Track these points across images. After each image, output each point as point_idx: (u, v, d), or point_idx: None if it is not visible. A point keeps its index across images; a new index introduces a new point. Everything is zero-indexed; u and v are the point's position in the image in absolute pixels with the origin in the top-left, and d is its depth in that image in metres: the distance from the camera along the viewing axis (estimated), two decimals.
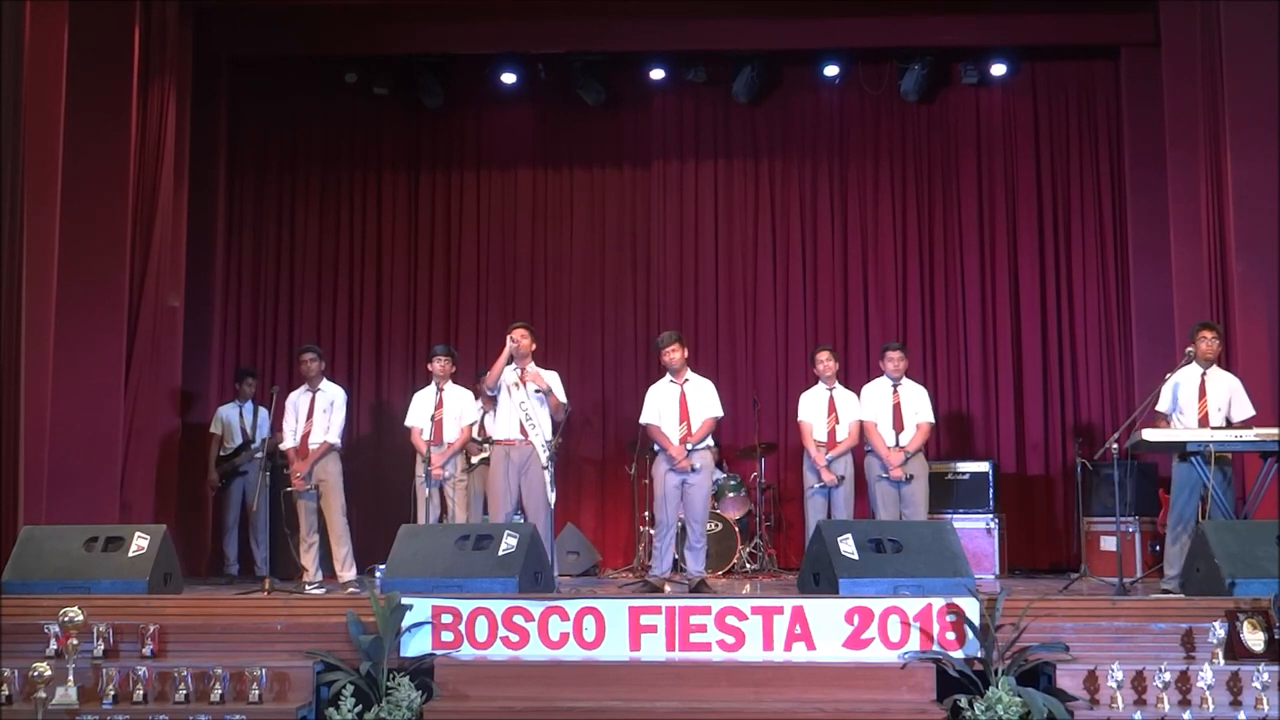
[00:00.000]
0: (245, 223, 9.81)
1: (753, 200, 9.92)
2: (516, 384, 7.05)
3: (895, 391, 7.47)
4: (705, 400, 7.27)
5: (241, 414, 8.59)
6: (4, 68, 6.59)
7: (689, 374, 7.36)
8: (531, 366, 7.11)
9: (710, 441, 7.39)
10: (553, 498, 6.97)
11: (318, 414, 7.55)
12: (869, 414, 7.46)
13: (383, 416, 9.59)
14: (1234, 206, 7.84)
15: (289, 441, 7.59)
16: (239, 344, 9.72)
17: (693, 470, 7.13)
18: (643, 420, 7.34)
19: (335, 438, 7.56)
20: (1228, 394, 6.84)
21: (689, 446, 7.13)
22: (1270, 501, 6.70)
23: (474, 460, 7.92)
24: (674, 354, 7.27)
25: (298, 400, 7.66)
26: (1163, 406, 6.94)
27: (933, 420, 7.56)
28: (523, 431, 7.02)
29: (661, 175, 9.97)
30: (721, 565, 8.39)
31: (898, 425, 7.39)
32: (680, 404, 7.22)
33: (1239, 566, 5.64)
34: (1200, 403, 6.82)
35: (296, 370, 9.60)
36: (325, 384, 7.71)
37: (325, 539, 7.58)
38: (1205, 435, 6.54)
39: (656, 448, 7.30)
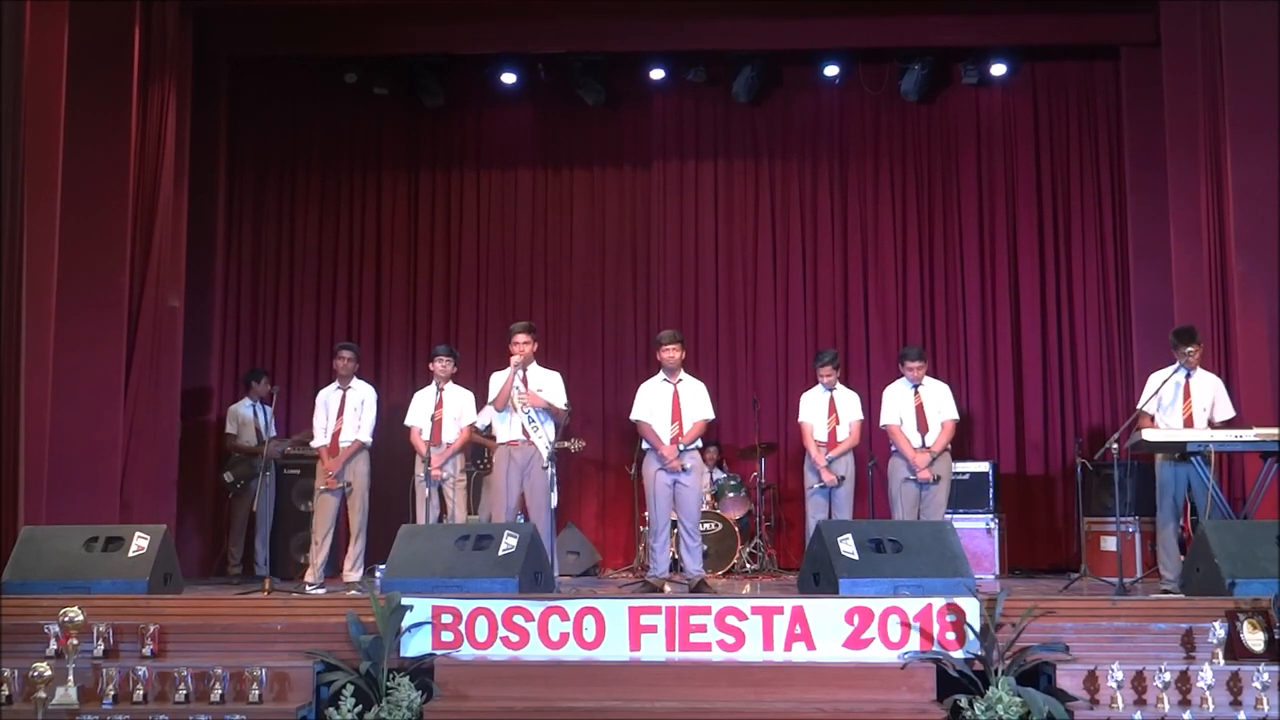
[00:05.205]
0: (245, 223, 9.81)
1: (753, 200, 9.92)
2: (518, 388, 7.06)
3: (917, 393, 7.45)
4: (698, 402, 7.25)
5: (256, 413, 8.57)
6: (4, 68, 6.59)
7: (683, 374, 7.34)
8: (526, 389, 7.08)
9: (700, 443, 7.38)
10: (554, 498, 6.97)
11: (348, 412, 7.49)
12: (892, 417, 7.43)
13: (383, 416, 9.56)
14: (1234, 206, 7.83)
15: (319, 439, 7.53)
16: (239, 344, 9.71)
17: (683, 470, 7.11)
18: (634, 416, 7.32)
19: (367, 436, 7.52)
20: (1211, 395, 6.91)
21: (680, 447, 7.12)
22: (1270, 501, 6.70)
23: (479, 461, 7.86)
24: (673, 353, 7.25)
25: (328, 398, 7.59)
26: (1147, 404, 6.95)
27: (956, 417, 7.52)
28: (524, 433, 7.03)
29: (661, 175, 9.97)
30: (721, 565, 8.39)
31: (922, 426, 7.37)
32: (673, 403, 7.19)
33: (1239, 566, 5.64)
34: (1185, 403, 6.86)
35: (297, 369, 9.68)
36: (356, 382, 7.63)
37: (335, 539, 7.54)
38: (1206, 435, 6.57)
39: (646, 445, 7.28)
